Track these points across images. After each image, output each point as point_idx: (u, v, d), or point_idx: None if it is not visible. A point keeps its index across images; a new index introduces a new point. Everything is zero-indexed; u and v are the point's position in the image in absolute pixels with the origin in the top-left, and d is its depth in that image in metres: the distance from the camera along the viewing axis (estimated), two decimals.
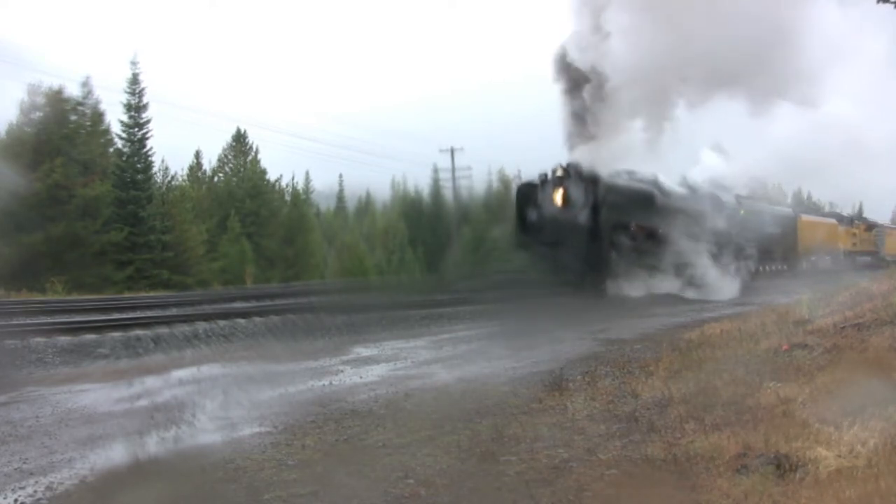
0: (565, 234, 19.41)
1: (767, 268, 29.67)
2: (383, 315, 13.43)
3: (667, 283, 20.47)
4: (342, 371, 8.34)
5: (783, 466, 4.10)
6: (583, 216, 19.32)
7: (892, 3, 9.23)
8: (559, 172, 20.10)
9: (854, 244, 44.30)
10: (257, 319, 11.81)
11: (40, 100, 29.78)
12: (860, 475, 3.86)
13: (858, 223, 47.16)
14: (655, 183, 22.16)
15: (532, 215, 20.31)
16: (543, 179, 20.49)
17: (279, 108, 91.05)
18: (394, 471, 4.51)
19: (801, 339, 8.04)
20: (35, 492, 4.29)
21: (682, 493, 4.02)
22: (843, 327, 8.34)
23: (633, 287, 19.28)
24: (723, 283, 22.50)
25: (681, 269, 20.95)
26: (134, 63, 32.63)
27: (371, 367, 8.61)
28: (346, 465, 4.68)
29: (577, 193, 19.62)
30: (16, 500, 4.16)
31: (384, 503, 4.03)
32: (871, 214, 65.89)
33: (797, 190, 70.78)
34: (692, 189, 24.56)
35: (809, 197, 65.18)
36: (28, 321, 11.54)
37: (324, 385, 7.45)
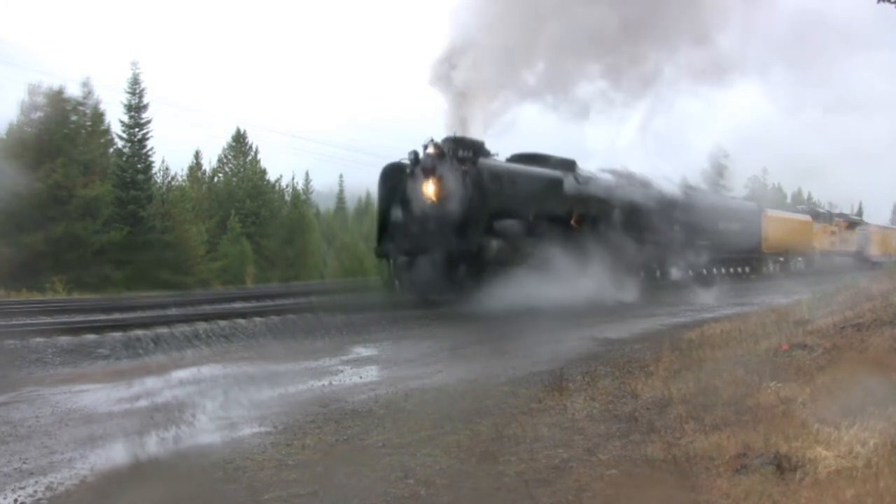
0: (434, 239, 15.02)
1: (724, 270, 26.61)
2: (382, 315, 13.43)
3: (583, 287, 16.22)
4: (342, 371, 8.34)
5: (783, 466, 4.10)
6: (455, 211, 15.07)
7: (892, 2, 9.22)
8: (431, 151, 15.45)
9: (832, 243, 40.81)
10: (257, 319, 11.82)
11: (41, 100, 29.80)
12: (860, 475, 3.86)
13: (839, 220, 43.56)
14: (571, 168, 18.78)
15: (396, 213, 15.86)
16: (413, 161, 15.79)
17: (279, 108, 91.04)
18: (393, 471, 4.51)
19: (801, 339, 8.05)
20: (35, 492, 4.29)
21: (681, 493, 4.02)
22: (843, 327, 8.35)
23: (526, 296, 15.01)
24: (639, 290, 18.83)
25: (597, 271, 16.86)
26: (134, 63, 32.70)
27: (371, 367, 8.61)
28: (345, 465, 4.68)
29: (453, 181, 15.27)
30: (16, 500, 4.16)
31: (384, 503, 4.03)
32: (870, 215, 65.90)
33: (797, 190, 70.91)
34: (628, 178, 21.29)
35: (810, 197, 65.20)
36: (28, 321, 11.55)
37: (323, 385, 7.45)
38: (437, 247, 14.81)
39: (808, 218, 38.10)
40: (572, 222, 17.77)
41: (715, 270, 25.64)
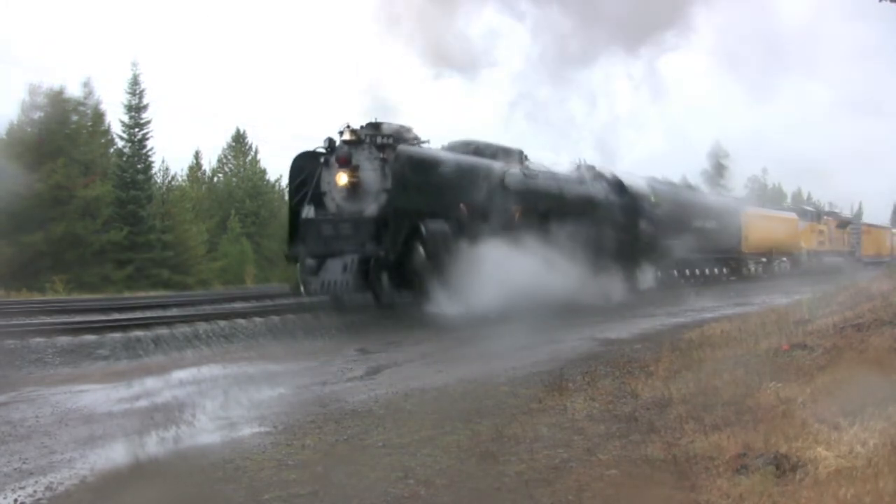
0: (348, 240, 13.14)
1: (698, 272, 24.88)
2: (381, 315, 13.40)
3: (524, 292, 14.00)
4: (342, 371, 8.34)
5: (783, 466, 4.10)
6: (371, 207, 13.27)
7: (893, 1, 9.22)
8: (347, 137, 13.58)
9: (821, 243, 38.88)
10: (257, 320, 11.81)
11: (41, 100, 29.84)
12: (860, 475, 3.86)
13: (828, 218, 41.46)
14: (518, 159, 16.79)
15: (308, 210, 13.93)
16: (328, 149, 13.95)
17: (279, 108, 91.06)
18: (393, 471, 4.51)
19: (801, 339, 8.06)
20: (35, 492, 4.29)
21: (681, 493, 4.02)
22: (843, 327, 8.35)
23: (454, 303, 13.39)
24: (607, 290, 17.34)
25: (542, 274, 14.57)
26: (134, 64, 32.72)
27: (370, 367, 8.60)
28: (345, 465, 4.68)
29: (371, 172, 13.46)
30: (15, 500, 4.16)
31: (384, 503, 4.03)
32: (870, 215, 65.85)
33: (797, 190, 70.97)
34: (587, 171, 19.21)
35: (809, 197, 65.21)
36: (28, 321, 11.54)
37: (323, 385, 7.46)
38: (352, 249, 12.90)
39: (793, 216, 36.20)
40: (516, 220, 15.43)
41: (687, 272, 24.01)
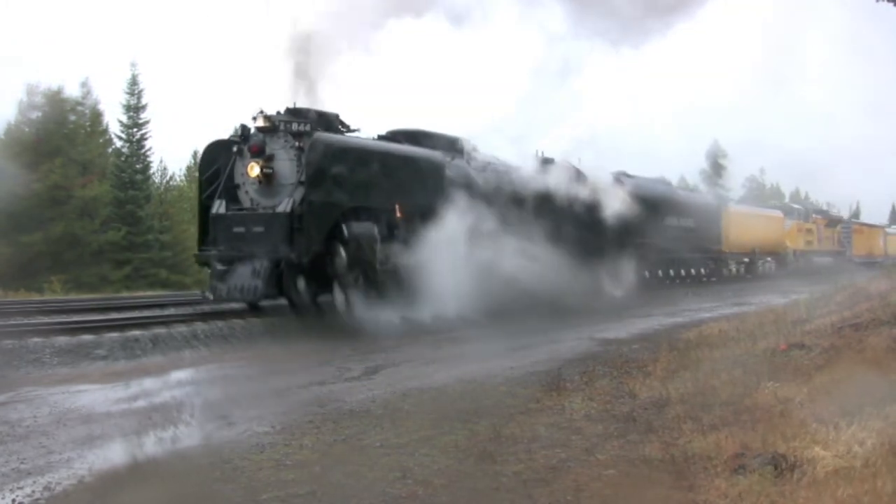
0: (260, 241, 11.76)
1: (672, 273, 23.62)
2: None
3: (467, 299, 13.06)
4: (340, 371, 8.33)
5: (781, 466, 4.10)
6: (285, 202, 11.74)
7: (891, 1, 9.21)
8: (260, 123, 12.10)
9: (809, 242, 37.53)
10: (255, 320, 11.78)
11: (39, 100, 29.82)
12: (858, 475, 3.86)
13: (816, 217, 40.02)
14: (466, 149, 15.34)
15: (219, 204, 12.42)
16: (242, 137, 12.45)
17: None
18: (391, 471, 4.51)
19: (799, 339, 8.06)
20: (33, 492, 4.29)
21: (679, 492, 4.02)
22: (841, 327, 8.36)
23: (386, 311, 12.15)
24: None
25: (486, 278, 13.23)
26: (133, 64, 32.72)
27: (368, 367, 8.59)
28: (343, 465, 4.68)
29: (286, 162, 12.08)
30: (14, 500, 4.16)
31: (382, 503, 4.03)
32: (869, 215, 65.84)
33: (794, 190, 71.05)
34: (544, 164, 17.36)
35: (807, 197, 65.25)
36: (26, 321, 11.52)
37: (321, 385, 7.45)
38: (263, 252, 11.57)
39: (778, 214, 34.76)
40: (459, 216, 13.79)
41: (661, 273, 22.64)
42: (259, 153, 11.99)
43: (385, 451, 4.97)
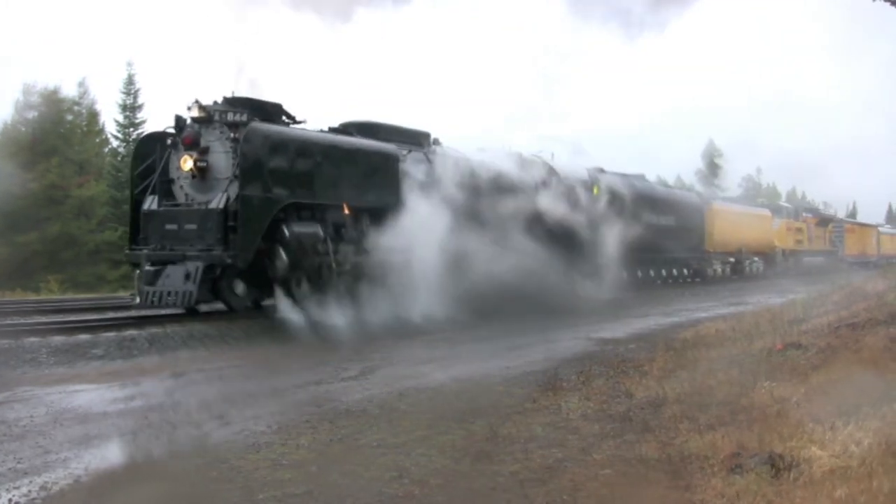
0: (193, 240, 11.19)
1: (651, 273, 22.76)
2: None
3: (422, 302, 12.61)
4: (336, 370, 8.32)
5: (777, 466, 4.11)
6: (219, 198, 11.15)
7: (889, 1, 9.20)
8: (195, 113, 11.49)
9: (799, 241, 36.56)
10: (251, 321, 11.76)
11: (36, 99, 29.80)
12: (854, 475, 3.87)
13: (806, 216, 39.02)
14: (421, 143, 14.67)
15: (151, 200, 11.87)
16: (177, 129, 11.78)
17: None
18: (388, 470, 4.51)
19: (796, 338, 8.07)
20: (29, 491, 4.28)
21: (676, 492, 4.03)
22: (838, 327, 8.37)
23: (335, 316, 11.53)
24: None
25: (443, 278, 12.69)
26: (130, 64, 32.67)
27: (365, 366, 8.58)
28: (340, 464, 4.68)
29: (221, 154, 11.42)
30: (10, 500, 4.15)
31: (379, 503, 4.03)
32: (866, 215, 65.97)
33: (791, 190, 71.18)
34: (513, 158, 16.64)
35: (804, 197, 65.37)
36: (22, 321, 11.51)
37: (318, 384, 7.45)
38: (196, 253, 10.96)
39: (766, 212, 33.81)
40: (415, 211, 13.10)
41: (640, 273, 21.72)
42: (193, 145, 11.38)
43: (382, 450, 4.97)
